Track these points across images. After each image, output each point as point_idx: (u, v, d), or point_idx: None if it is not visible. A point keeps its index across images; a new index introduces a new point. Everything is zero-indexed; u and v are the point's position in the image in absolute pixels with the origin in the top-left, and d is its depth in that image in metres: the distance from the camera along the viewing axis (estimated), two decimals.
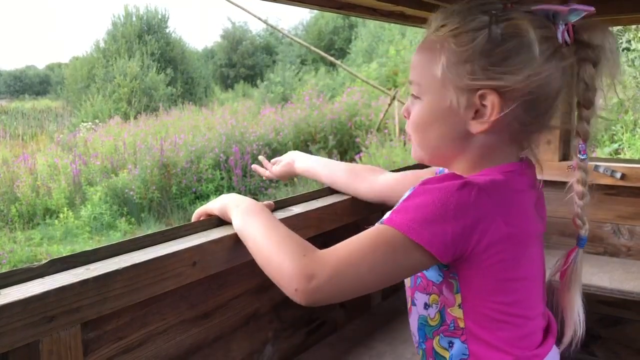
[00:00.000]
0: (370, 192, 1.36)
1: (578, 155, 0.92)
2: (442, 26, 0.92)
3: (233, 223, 1.06)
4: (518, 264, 0.90)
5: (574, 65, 0.90)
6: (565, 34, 0.89)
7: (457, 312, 0.93)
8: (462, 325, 0.93)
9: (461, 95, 0.90)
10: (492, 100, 0.88)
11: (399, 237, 0.82)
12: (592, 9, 0.89)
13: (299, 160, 1.45)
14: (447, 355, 0.96)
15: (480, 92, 0.89)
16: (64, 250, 6.41)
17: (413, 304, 1.02)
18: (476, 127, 0.91)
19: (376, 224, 0.88)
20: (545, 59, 0.87)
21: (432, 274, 0.95)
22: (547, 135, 0.99)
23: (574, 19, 0.89)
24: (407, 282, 1.03)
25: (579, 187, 0.93)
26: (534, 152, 0.97)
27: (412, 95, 0.98)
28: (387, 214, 0.88)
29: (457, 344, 0.94)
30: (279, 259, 0.89)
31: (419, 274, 0.98)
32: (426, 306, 0.98)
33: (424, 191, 0.85)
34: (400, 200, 0.87)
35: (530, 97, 0.87)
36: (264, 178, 1.52)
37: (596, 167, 2.10)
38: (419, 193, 0.86)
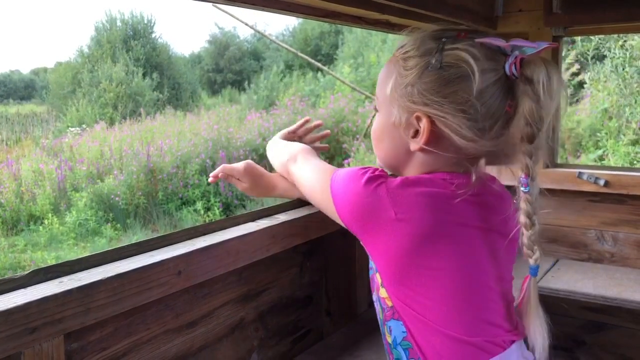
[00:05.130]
0: None
1: (521, 189, 0.94)
2: (401, 47, 1.00)
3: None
4: (427, 255, 0.92)
5: (517, 99, 0.92)
6: (513, 67, 0.91)
7: (383, 292, 1.00)
8: (390, 304, 0.98)
9: (403, 115, 0.98)
10: (423, 124, 0.95)
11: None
12: (536, 45, 0.91)
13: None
14: (391, 340, 1.01)
15: (416, 114, 0.96)
16: (48, 256, 6.34)
17: None
18: (413, 145, 0.99)
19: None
20: (482, 90, 0.91)
21: (372, 268, 1.03)
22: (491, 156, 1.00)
23: (529, 52, 0.91)
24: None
25: (524, 219, 0.94)
26: (478, 170, 0.98)
27: (374, 107, 1.07)
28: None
29: (394, 324, 0.99)
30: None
31: (371, 274, 1.06)
32: (376, 303, 1.05)
33: (363, 170, 0.98)
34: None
35: (466, 124, 0.92)
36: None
37: (580, 174, 2.13)
38: (360, 167, 0.99)
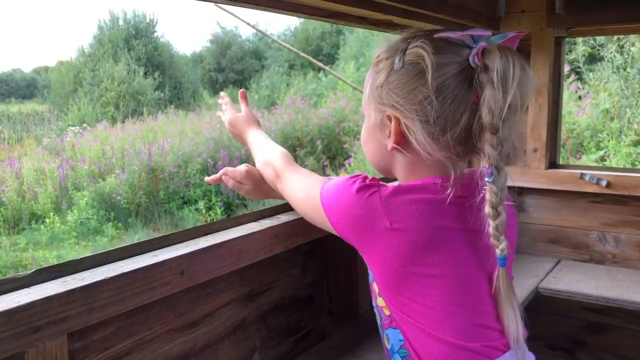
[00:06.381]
0: None
1: (485, 179, 0.92)
2: (377, 52, 1.02)
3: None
4: (423, 263, 0.92)
5: (481, 89, 0.90)
6: (476, 57, 0.90)
7: (381, 302, 1.00)
8: (387, 312, 0.99)
9: (377, 116, 1.01)
10: (392, 123, 0.97)
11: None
12: (490, 32, 0.91)
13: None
14: (389, 346, 1.01)
15: (386, 114, 0.98)
16: (49, 255, 6.35)
17: None
18: (389, 145, 1.00)
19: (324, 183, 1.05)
20: (443, 83, 0.91)
21: (371, 276, 1.03)
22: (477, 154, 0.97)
23: (496, 41, 0.90)
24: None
25: (489, 210, 0.92)
26: (461, 171, 0.97)
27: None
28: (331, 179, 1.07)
29: (391, 332, 1.00)
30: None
31: (369, 280, 1.05)
32: (375, 309, 1.06)
33: (353, 179, 0.99)
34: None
35: (432, 120, 0.92)
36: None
37: (582, 175, 2.13)
38: (349, 177, 1.00)
